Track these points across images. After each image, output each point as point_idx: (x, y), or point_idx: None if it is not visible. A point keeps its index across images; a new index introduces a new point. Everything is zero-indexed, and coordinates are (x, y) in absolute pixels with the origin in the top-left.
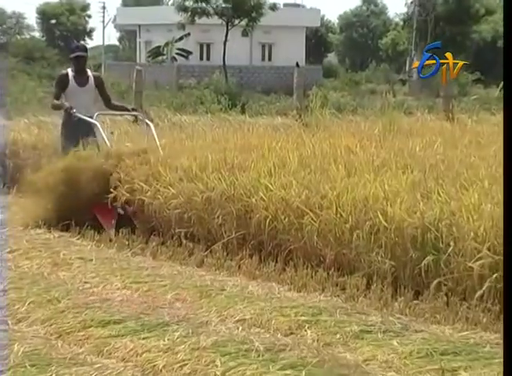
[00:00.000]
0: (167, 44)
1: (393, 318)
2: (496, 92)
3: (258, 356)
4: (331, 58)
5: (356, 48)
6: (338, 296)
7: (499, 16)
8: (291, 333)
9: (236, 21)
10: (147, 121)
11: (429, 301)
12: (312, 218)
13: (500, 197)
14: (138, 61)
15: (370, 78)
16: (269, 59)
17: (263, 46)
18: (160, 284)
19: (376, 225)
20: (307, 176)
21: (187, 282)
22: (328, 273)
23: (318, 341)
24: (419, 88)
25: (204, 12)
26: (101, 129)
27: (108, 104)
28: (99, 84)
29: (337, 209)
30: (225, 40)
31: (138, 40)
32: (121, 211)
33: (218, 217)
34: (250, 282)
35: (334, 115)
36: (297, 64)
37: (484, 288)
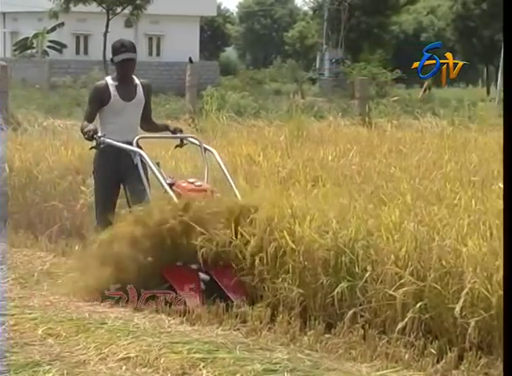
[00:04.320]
0: (36, 35)
1: (302, 354)
2: (419, 92)
3: None
4: (229, 53)
5: (258, 41)
6: (238, 330)
7: (422, 5)
8: (184, 373)
9: (119, 9)
10: (206, 146)
11: (343, 335)
12: (207, 239)
13: (423, 213)
14: (2, 55)
15: (275, 76)
16: (157, 53)
17: (150, 39)
18: (29, 317)
19: (282, 248)
20: None
21: (61, 314)
22: (227, 304)
23: None
24: (331, 88)
25: None
26: (149, 161)
27: (147, 122)
28: (148, 95)
29: (236, 229)
30: (106, 31)
31: (2, 30)
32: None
33: None
34: (135, 314)
35: (233, 119)
36: (190, 60)
37: (406, 320)
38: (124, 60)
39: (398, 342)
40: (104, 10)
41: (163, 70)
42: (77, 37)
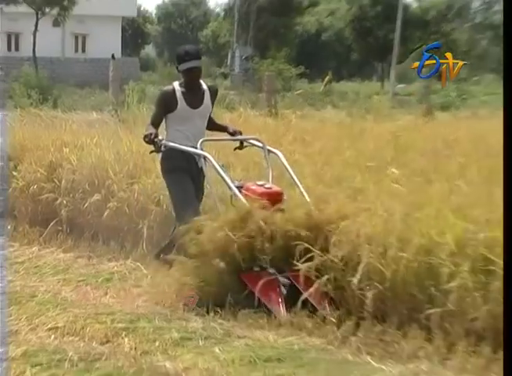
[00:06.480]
0: None
1: (215, 324)
2: (321, 86)
3: (72, 365)
4: (149, 50)
5: (175, 39)
6: (157, 301)
7: (323, 8)
8: (107, 341)
9: (47, 10)
10: (270, 148)
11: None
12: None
13: (324, 196)
14: None
15: None
16: (83, 50)
17: (76, 37)
18: None
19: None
20: (125, 175)
21: None
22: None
23: (135, 349)
24: (241, 82)
25: (12, 0)
26: (215, 164)
27: (208, 124)
28: (214, 99)
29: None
30: (35, 30)
31: None
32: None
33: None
34: (63, 287)
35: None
36: (113, 56)
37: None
38: (189, 69)
39: (302, 313)
40: (34, 11)
41: (88, 66)
42: (9, 36)
